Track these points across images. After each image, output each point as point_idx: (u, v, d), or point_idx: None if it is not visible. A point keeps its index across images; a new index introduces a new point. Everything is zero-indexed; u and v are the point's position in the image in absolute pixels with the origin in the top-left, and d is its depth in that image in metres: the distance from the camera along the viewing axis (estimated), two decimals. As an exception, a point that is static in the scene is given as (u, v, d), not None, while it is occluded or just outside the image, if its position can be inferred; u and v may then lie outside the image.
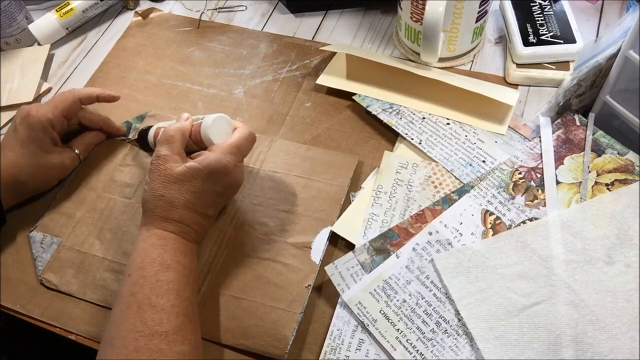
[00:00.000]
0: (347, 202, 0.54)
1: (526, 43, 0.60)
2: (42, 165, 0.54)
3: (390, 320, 0.46)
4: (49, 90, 0.69)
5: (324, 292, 0.50)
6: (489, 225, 0.50)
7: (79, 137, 0.59)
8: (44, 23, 0.72)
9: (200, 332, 0.45)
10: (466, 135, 0.56)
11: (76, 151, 0.58)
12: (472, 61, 0.64)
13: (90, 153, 0.60)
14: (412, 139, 0.56)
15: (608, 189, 0.50)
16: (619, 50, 0.49)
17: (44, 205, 0.57)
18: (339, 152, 0.57)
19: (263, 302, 0.48)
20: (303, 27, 0.71)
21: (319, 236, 0.51)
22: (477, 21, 0.59)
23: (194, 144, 0.51)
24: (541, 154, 0.53)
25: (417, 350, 0.44)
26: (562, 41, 0.59)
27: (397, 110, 0.59)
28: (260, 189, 0.55)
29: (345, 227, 0.52)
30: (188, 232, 0.48)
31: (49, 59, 0.72)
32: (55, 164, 0.56)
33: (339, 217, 0.52)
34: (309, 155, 0.57)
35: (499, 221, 0.50)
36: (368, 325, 0.46)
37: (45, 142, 0.54)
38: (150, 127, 0.58)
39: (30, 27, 0.72)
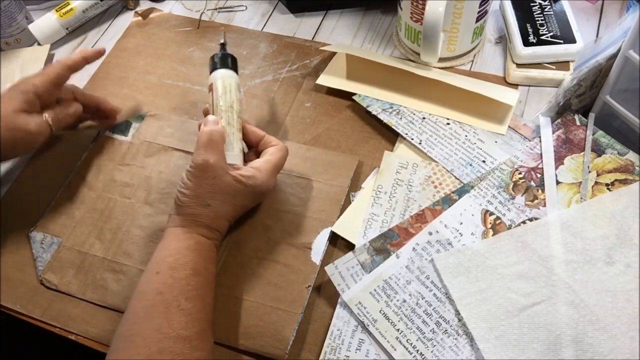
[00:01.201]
0: (347, 202, 0.54)
1: (526, 43, 0.60)
2: (14, 128, 0.51)
3: (390, 320, 0.46)
4: (49, 90, 0.69)
5: (324, 292, 0.50)
6: (489, 225, 0.50)
7: (57, 107, 0.55)
8: (44, 23, 0.72)
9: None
10: (466, 135, 0.56)
11: (45, 116, 0.53)
12: (472, 61, 0.64)
13: (90, 152, 0.60)
14: (412, 139, 0.56)
15: (608, 189, 0.50)
16: (619, 50, 0.49)
17: (44, 205, 0.57)
18: (339, 153, 0.57)
19: (263, 302, 0.48)
20: (303, 27, 0.71)
21: (319, 237, 0.51)
22: (477, 21, 0.59)
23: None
24: (541, 154, 0.53)
25: (417, 350, 0.44)
26: (562, 41, 0.59)
27: (397, 110, 0.59)
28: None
29: (345, 227, 0.52)
30: (219, 238, 0.49)
31: (49, 59, 0.72)
32: (17, 125, 0.51)
33: (339, 217, 0.53)
34: (309, 156, 0.57)
35: (499, 221, 0.50)
36: (368, 325, 0.46)
37: (17, 103, 0.51)
38: (232, 67, 0.55)
39: (30, 27, 0.72)
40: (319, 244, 0.51)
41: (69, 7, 0.72)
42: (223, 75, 0.53)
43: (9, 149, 0.52)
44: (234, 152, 0.51)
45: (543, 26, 0.61)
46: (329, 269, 0.49)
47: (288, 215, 0.53)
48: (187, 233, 0.47)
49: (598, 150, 0.53)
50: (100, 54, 0.59)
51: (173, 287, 0.43)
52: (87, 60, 0.57)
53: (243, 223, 0.53)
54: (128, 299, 0.45)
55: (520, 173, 0.53)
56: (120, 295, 0.50)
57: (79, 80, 0.69)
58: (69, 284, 0.52)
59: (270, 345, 0.46)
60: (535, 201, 0.51)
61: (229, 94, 0.52)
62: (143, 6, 0.77)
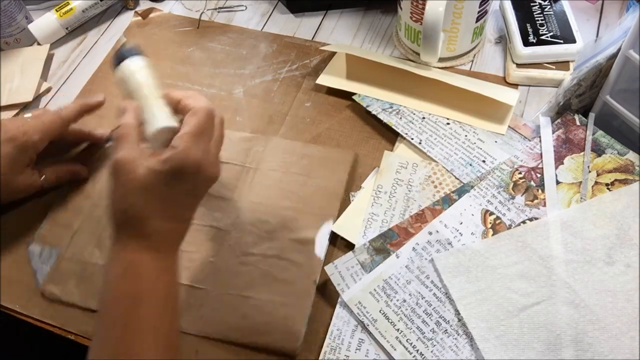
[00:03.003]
0: (347, 202, 0.54)
1: (526, 43, 0.60)
2: (5, 183, 0.51)
3: (390, 320, 0.46)
4: (48, 90, 0.69)
5: (324, 292, 0.49)
6: (489, 225, 0.50)
7: (55, 165, 0.56)
8: (44, 23, 0.72)
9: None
10: (466, 135, 0.56)
11: (42, 177, 0.55)
12: (472, 61, 0.64)
13: (85, 161, 0.60)
14: (412, 138, 0.56)
15: (608, 189, 0.50)
16: (619, 50, 0.49)
17: (43, 205, 0.57)
18: (335, 148, 0.58)
19: (271, 298, 0.48)
20: (303, 27, 0.71)
21: (321, 231, 0.51)
22: (477, 21, 0.59)
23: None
24: (541, 154, 0.53)
25: (417, 350, 0.44)
26: (562, 41, 0.59)
27: (397, 110, 0.59)
28: (259, 187, 0.55)
29: (345, 227, 0.52)
30: (163, 243, 0.41)
31: (49, 59, 0.72)
32: (18, 185, 0.53)
33: (338, 215, 0.52)
34: (305, 153, 0.57)
35: (499, 221, 0.50)
36: (368, 325, 0.46)
37: (22, 164, 0.52)
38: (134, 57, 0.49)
39: (30, 27, 0.72)
40: (322, 238, 0.51)
41: (68, 7, 0.72)
42: (120, 69, 0.49)
43: None
44: (159, 121, 0.43)
45: (543, 26, 0.61)
46: (328, 268, 0.49)
47: (288, 212, 0.53)
48: (118, 254, 0.41)
49: (598, 150, 0.53)
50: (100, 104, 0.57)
51: (114, 327, 0.38)
52: (87, 111, 0.56)
53: (244, 222, 0.53)
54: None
55: (520, 173, 0.53)
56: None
57: (78, 80, 0.69)
58: (71, 294, 0.51)
59: (282, 340, 0.46)
60: (535, 201, 0.51)
61: (133, 76, 0.48)
62: (143, 6, 0.77)
